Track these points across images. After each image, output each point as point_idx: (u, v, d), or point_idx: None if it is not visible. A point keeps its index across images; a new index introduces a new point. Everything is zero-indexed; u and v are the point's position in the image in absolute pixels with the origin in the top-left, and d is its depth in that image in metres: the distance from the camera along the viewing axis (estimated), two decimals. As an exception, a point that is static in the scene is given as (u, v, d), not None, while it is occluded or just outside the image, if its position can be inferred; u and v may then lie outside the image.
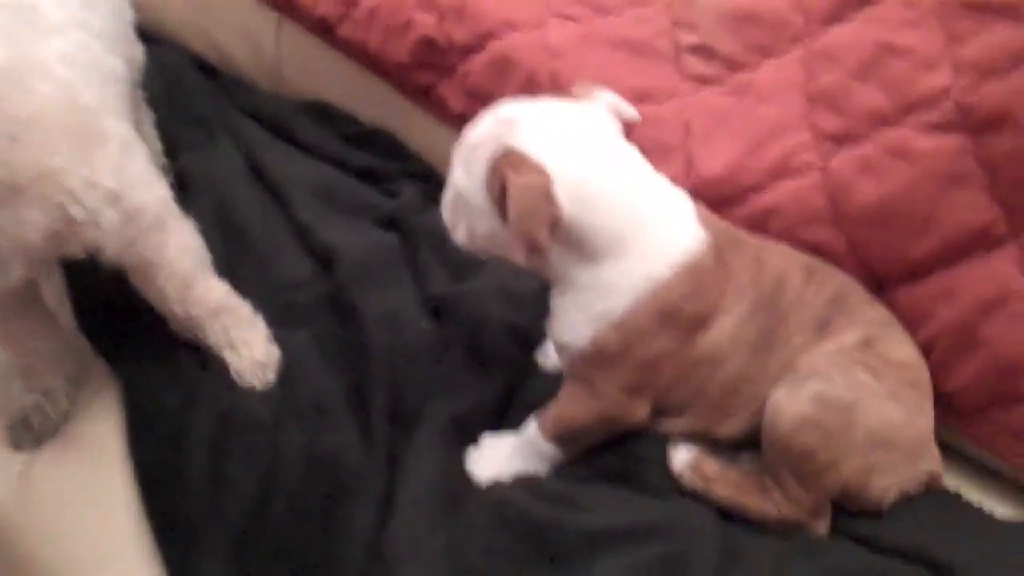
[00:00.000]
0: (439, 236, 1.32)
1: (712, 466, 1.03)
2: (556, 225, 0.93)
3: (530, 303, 1.22)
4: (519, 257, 0.92)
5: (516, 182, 0.91)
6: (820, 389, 0.96)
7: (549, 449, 1.06)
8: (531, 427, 1.06)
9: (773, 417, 0.98)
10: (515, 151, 0.94)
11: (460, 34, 1.35)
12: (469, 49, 1.35)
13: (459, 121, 1.18)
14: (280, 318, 1.23)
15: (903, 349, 1.04)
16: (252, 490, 1.06)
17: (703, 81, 1.22)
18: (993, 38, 1.02)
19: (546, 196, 0.92)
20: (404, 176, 1.50)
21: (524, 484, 1.04)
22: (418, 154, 1.52)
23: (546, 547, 0.96)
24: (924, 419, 1.02)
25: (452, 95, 1.38)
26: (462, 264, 1.31)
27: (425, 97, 1.44)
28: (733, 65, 1.20)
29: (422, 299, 1.28)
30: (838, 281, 1.05)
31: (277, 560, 1.02)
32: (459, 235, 1.05)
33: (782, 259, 1.05)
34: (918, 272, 1.05)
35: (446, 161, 1.04)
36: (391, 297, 1.26)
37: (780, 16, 1.20)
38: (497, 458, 1.08)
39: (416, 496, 1.03)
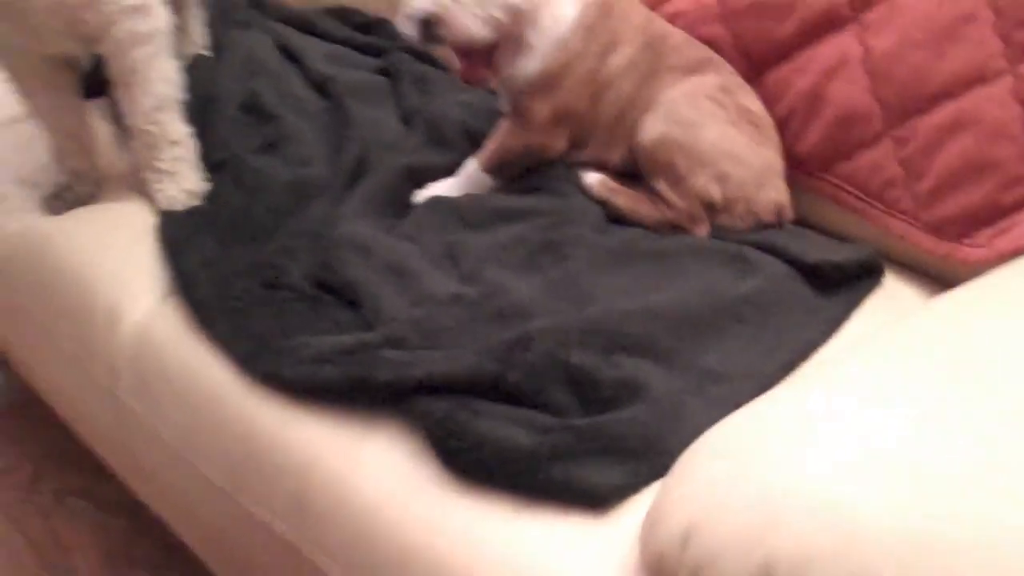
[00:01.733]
0: (418, 74, 1.65)
1: (615, 183, 1.29)
2: None
3: (482, 111, 1.49)
4: None
5: None
6: (670, 111, 1.24)
7: (484, 178, 1.32)
8: (470, 163, 1.33)
9: (640, 137, 1.26)
10: None
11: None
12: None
13: None
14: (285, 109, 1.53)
15: (755, 104, 1.29)
16: (239, 201, 1.34)
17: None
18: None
19: None
20: (398, 50, 1.80)
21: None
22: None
23: (463, 219, 1.23)
24: (768, 152, 1.26)
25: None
26: (433, 89, 1.60)
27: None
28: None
29: (399, 113, 1.56)
30: (713, 54, 1.33)
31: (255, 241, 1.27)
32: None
33: (669, 25, 1.34)
34: (784, 53, 1.31)
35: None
36: (376, 110, 1.55)
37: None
38: (439, 190, 1.33)
39: (365, 197, 1.30)
